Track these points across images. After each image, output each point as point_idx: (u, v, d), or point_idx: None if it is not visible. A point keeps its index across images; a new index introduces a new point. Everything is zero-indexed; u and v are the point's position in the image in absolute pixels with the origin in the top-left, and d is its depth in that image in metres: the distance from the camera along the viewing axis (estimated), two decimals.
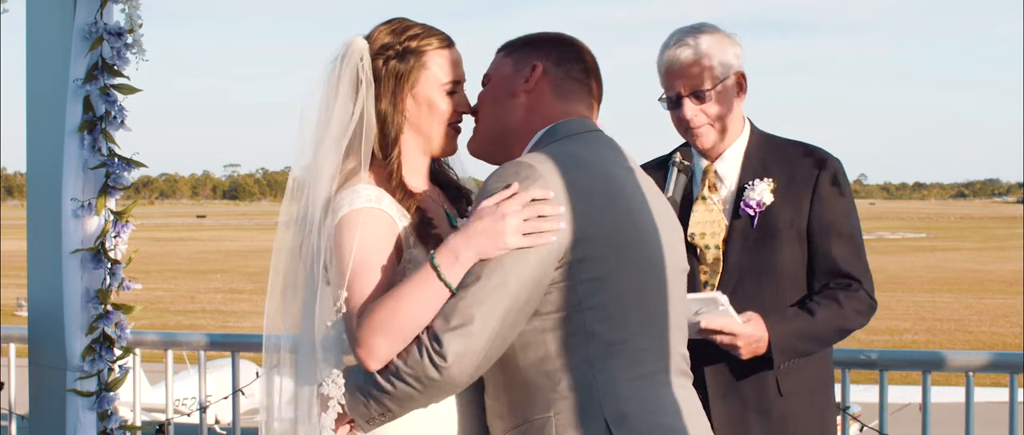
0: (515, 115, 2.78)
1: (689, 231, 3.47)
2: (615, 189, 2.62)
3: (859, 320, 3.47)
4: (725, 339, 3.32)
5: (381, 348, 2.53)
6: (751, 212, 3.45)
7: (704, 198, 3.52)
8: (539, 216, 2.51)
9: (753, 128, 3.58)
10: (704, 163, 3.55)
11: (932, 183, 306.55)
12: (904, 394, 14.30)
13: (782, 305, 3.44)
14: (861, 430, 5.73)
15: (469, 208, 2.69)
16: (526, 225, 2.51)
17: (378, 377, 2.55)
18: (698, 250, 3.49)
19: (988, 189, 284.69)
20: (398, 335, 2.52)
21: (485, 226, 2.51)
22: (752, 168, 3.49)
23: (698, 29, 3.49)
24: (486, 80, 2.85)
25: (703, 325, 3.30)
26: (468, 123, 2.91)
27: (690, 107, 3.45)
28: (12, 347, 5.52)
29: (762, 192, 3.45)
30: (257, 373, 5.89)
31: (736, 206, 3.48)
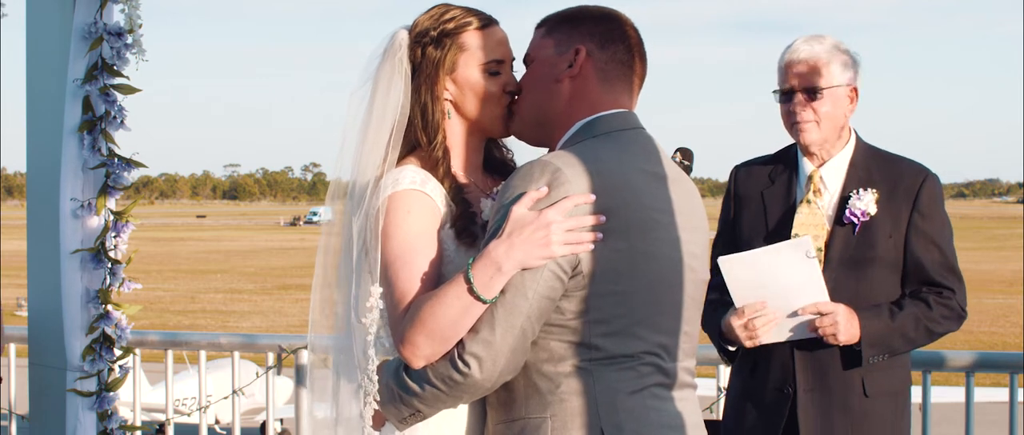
0: (558, 102, 2.68)
1: (792, 232, 3.66)
2: (634, 203, 2.55)
3: (947, 325, 3.66)
4: (826, 324, 3.50)
5: (424, 348, 2.52)
6: (855, 220, 3.62)
7: (809, 201, 3.68)
8: (582, 224, 2.47)
9: (859, 140, 3.76)
10: (809, 169, 3.72)
11: None
12: None
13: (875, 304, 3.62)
14: None
15: (494, 193, 2.67)
16: (570, 235, 2.46)
17: (407, 380, 2.56)
18: None
19: (988, 189, 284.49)
20: (439, 337, 2.51)
21: (529, 235, 2.46)
22: (857, 177, 3.67)
23: (822, 37, 3.70)
24: (528, 60, 2.76)
25: (801, 311, 3.51)
26: None
27: (800, 101, 3.64)
28: (12, 347, 5.52)
29: (868, 202, 3.62)
30: (257, 373, 5.90)
31: (840, 213, 3.64)
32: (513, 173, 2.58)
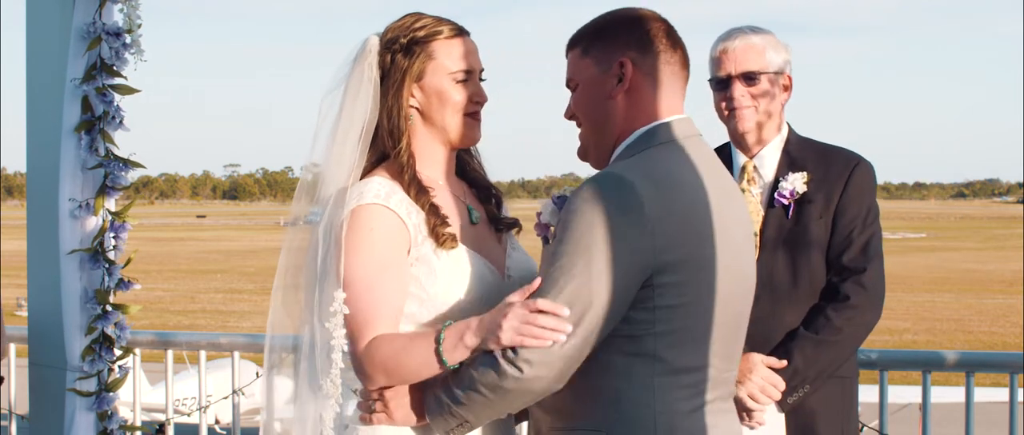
0: (616, 118, 2.61)
1: None
2: (704, 214, 2.51)
3: (863, 331, 3.58)
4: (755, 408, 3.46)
5: (380, 383, 2.62)
6: (785, 201, 3.61)
7: (742, 191, 3.63)
8: (542, 325, 2.43)
9: (791, 130, 3.74)
10: (742, 159, 3.70)
11: (932, 183, 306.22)
12: (904, 394, 14.27)
13: (813, 288, 3.57)
14: (861, 430, 5.73)
15: (548, 224, 2.72)
16: (524, 327, 2.43)
17: (455, 389, 2.53)
18: None
19: (988, 189, 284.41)
20: (398, 379, 2.60)
21: (492, 317, 2.49)
22: (789, 164, 3.66)
23: (754, 27, 3.69)
24: (572, 85, 2.69)
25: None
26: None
27: (738, 87, 3.62)
28: (12, 347, 5.51)
29: (795, 182, 3.61)
30: (257, 373, 5.90)
31: (772, 198, 3.64)
32: (577, 193, 2.49)
